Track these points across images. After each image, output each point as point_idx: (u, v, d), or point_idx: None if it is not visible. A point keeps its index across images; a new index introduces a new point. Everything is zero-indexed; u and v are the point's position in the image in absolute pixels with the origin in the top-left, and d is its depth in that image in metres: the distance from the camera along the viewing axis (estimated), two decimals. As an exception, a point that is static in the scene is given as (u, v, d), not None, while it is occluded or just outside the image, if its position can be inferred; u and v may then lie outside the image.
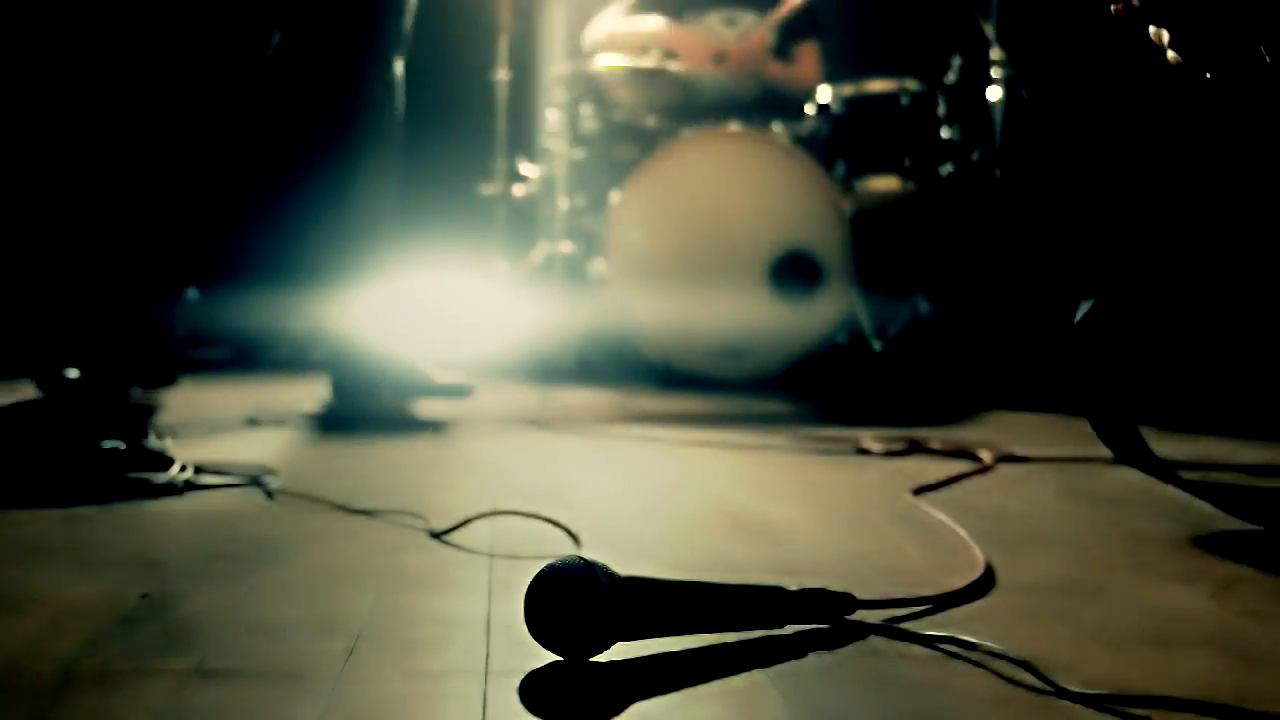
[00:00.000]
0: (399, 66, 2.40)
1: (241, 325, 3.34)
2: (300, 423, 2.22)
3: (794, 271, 3.10)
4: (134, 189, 1.72)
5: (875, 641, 0.87)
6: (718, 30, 3.55)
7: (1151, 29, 0.71)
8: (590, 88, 3.45)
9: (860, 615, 0.90)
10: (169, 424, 1.78)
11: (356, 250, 2.40)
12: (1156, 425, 2.33)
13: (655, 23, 3.52)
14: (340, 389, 2.47)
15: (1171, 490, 1.61)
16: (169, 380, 1.77)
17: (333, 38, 2.31)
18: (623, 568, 0.82)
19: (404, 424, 2.31)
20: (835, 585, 0.91)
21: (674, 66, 3.38)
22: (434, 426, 2.23)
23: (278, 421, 2.24)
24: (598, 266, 3.28)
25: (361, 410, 2.36)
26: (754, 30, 3.54)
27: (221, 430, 2.11)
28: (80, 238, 1.72)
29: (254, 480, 1.52)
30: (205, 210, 1.85)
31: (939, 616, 0.94)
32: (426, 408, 2.48)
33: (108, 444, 1.50)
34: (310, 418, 2.30)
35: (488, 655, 0.82)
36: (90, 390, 1.67)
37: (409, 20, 2.39)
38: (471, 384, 2.65)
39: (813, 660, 0.83)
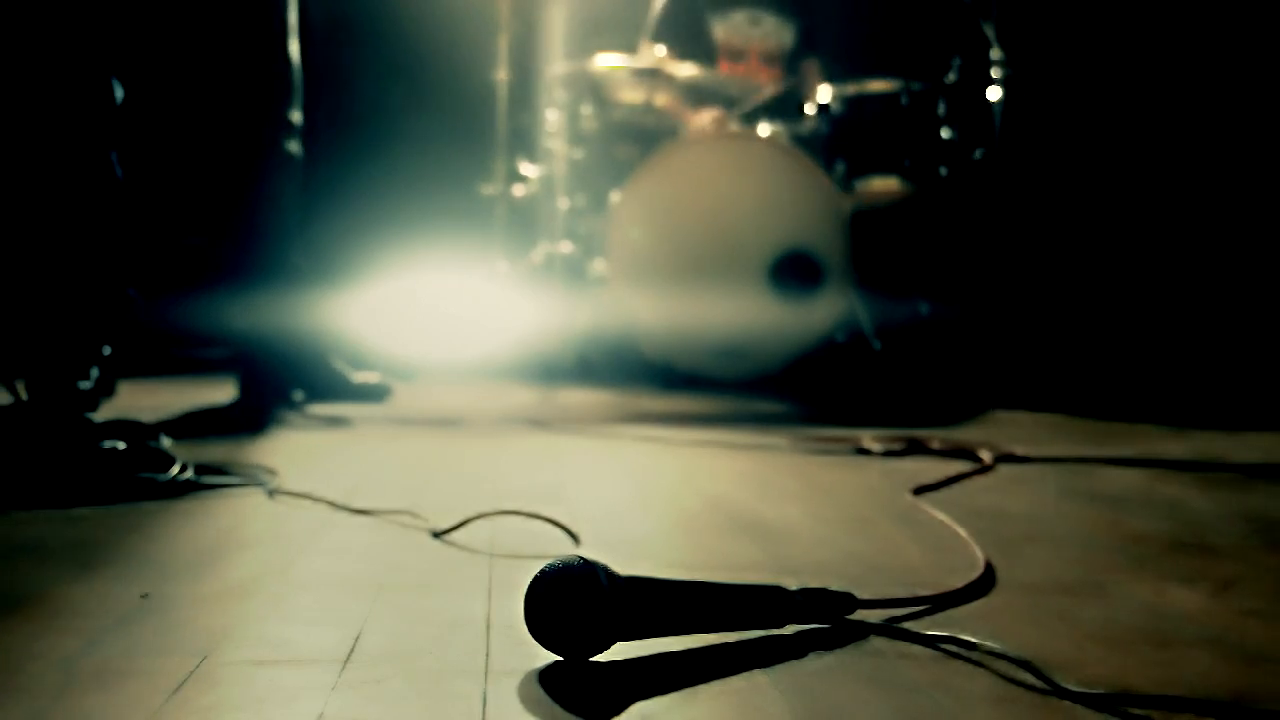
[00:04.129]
0: (296, 115, 2.46)
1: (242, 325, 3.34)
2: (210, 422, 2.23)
3: (794, 271, 3.10)
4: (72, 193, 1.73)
5: (875, 641, 0.87)
6: (744, 30, 3.57)
7: None
8: (590, 88, 3.45)
9: (860, 615, 0.90)
10: (169, 423, 1.77)
11: (263, 254, 2.45)
12: (1157, 421, 2.34)
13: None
14: (248, 389, 2.48)
15: (1172, 490, 1.61)
16: (107, 390, 1.77)
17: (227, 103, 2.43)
18: (623, 568, 0.82)
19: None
20: (835, 585, 0.91)
21: (679, 70, 3.39)
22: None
23: (276, 421, 2.24)
24: (598, 266, 3.28)
25: (270, 412, 2.36)
26: (761, 71, 3.56)
27: (221, 430, 2.11)
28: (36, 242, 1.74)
29: (254, 480, 1.52)
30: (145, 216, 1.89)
31: (939, 616, 0.94)
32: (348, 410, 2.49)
33: (105, 444, 1.50)
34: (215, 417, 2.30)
35: (488, 655, 0.82)
36: (39, 397, 1.68)
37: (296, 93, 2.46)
38: (389, 386, 2.67)
39: (813, 660, 0.83)
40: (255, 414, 2.31)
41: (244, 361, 2.51)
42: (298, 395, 2.53)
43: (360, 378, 2.69)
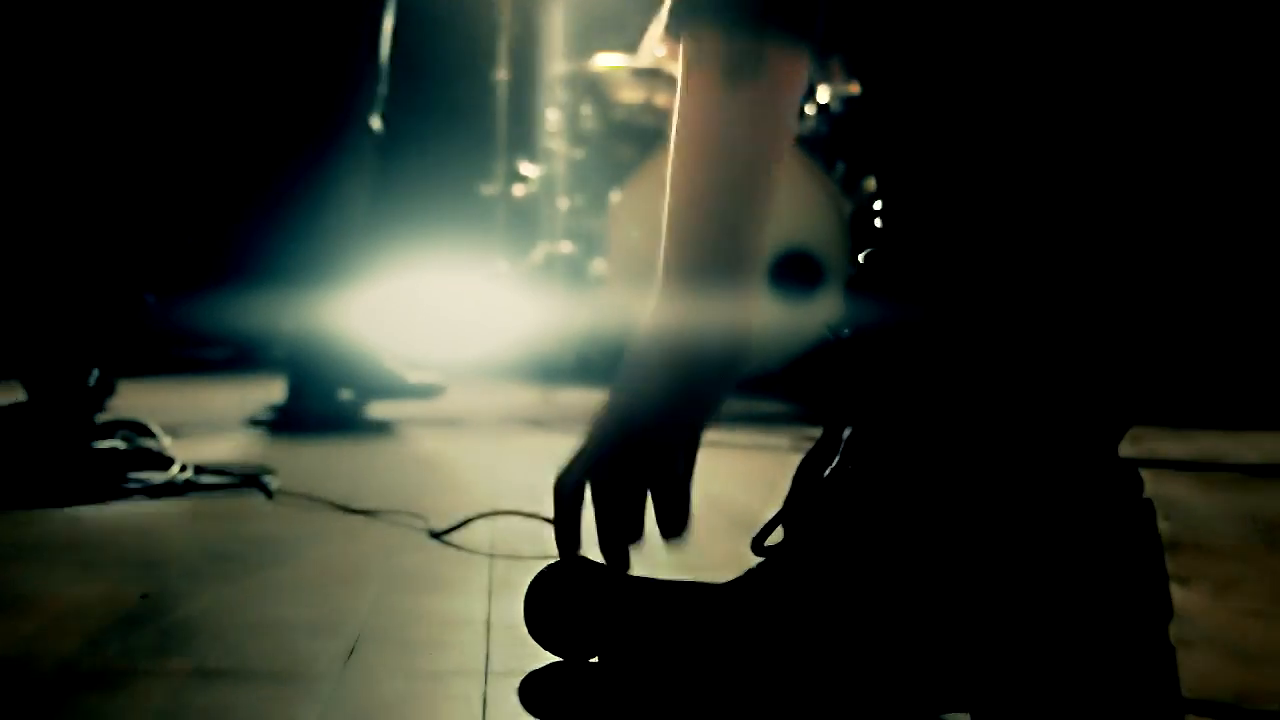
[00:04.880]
0: (375, 121, 2.44)
1: (242, 325, 3.34)
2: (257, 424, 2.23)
3: (794, 271, 3.10)
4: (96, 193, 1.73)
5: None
6: None
7: None
8: (590, 88, 3.45)
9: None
10: (169, 424, 1.77)
11: (324, 255, 2.43)
12: (1157, 421, 2.34)
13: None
14: (297, 390, 2.47)
15: (1170, 490, 1.61)
16: (108, 390, 1.77)
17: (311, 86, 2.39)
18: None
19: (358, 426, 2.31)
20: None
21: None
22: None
23: (277, 421, 2.24)
24: (598, 266, 3.28)
25: (318, 413, 2.35)
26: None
27: (221, 430, 2.11)
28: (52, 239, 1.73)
29: (254, 480, 1.52)
30: (164, 214, 1.88)
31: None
32: (394, 409, 2.48)
33: (104, 444, 1.50)
34: (264, 419, 2.30)
35: (488, 655, 0.82)
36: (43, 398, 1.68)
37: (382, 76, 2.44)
38: (443, 384, 2.66)
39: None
40: (307, 414, 2.31)
41: (293, 363, 2.50)
42: (346, 394, 2.52)
43: (415, 376, 2.66)
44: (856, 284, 0.64)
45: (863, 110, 0.63)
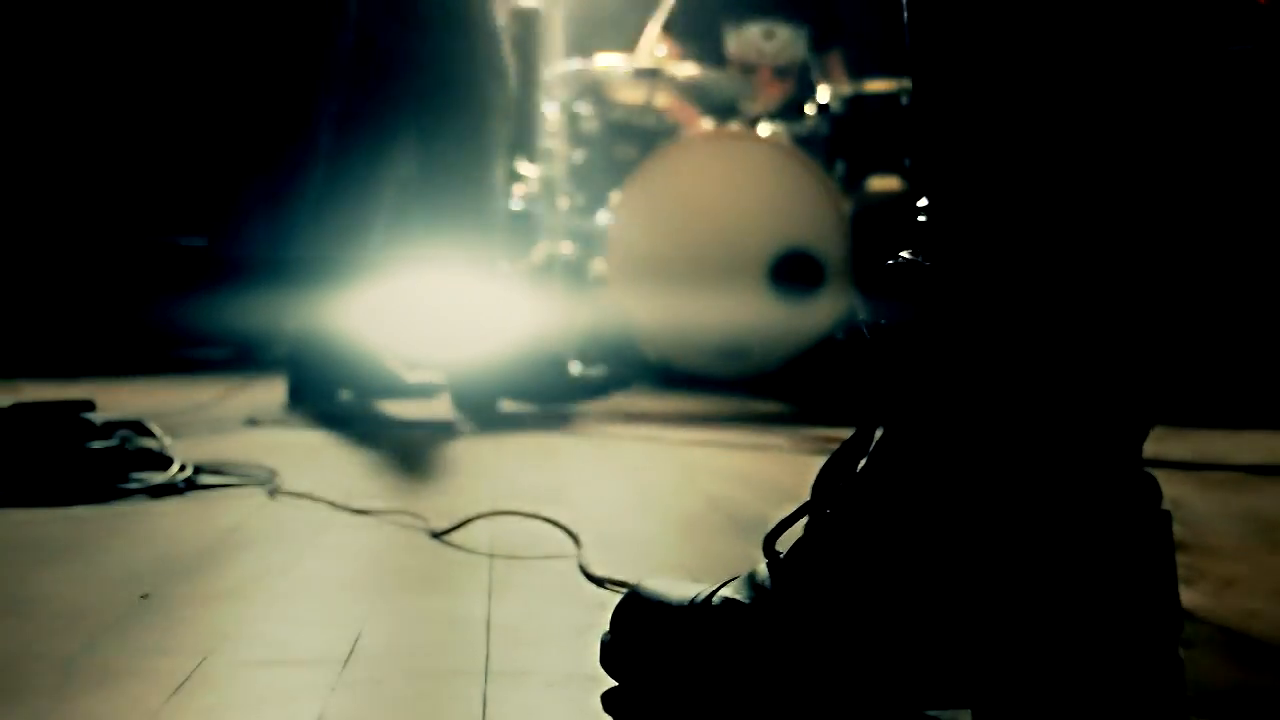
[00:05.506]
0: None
1: (241, 325, 3.33)
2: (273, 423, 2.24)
3: (794, 271, 3.10)
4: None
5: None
6: (757, 44, 3.56)
7: None
8: (590, 88, 3.45)
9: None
10: (169, 424, 1.77)
11: (341, 251, 2.43)
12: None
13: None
14: (297, 390, 2.47)
15: (1172, 490, 1.61)
16: None
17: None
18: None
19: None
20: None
21: (678, 71, 3.39)
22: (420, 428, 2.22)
23: (277, 421, 2.24)
24: (598, 266, 3.28)
25: (318, 413, 2.36)
26: (777, 84, 3.55)
27: (221, 430, 2.10)
28: None
29: (254, 480, 1.52)
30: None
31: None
32: (399, 408, 2.49)
33: (107, 443, 1.50)
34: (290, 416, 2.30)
35: (488, 655, 0.82)
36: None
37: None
38: (443, 384, 2.66)
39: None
40: (307, 414, 2.32)
41: (293, 362, 2.50)
42: (345, 394, 2.52)
43: (415, 376, 2.67)
44: (889, 283, 0.64)
45: (915, 111, 0.63)
